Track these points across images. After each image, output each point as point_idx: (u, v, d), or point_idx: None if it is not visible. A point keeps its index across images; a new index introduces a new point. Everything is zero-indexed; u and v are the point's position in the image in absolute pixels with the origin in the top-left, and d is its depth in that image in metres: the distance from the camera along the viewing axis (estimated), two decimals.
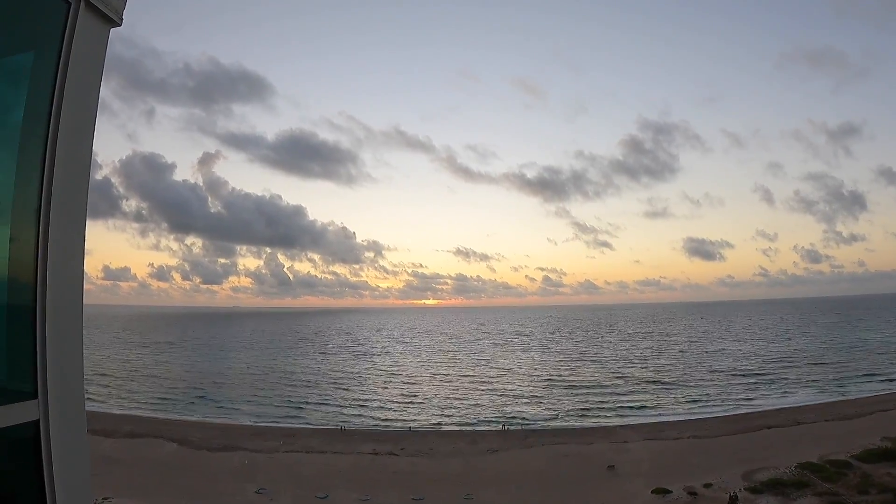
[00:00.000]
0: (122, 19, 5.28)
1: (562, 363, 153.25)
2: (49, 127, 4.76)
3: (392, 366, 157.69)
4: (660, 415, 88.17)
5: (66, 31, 4.78)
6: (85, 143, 5.10)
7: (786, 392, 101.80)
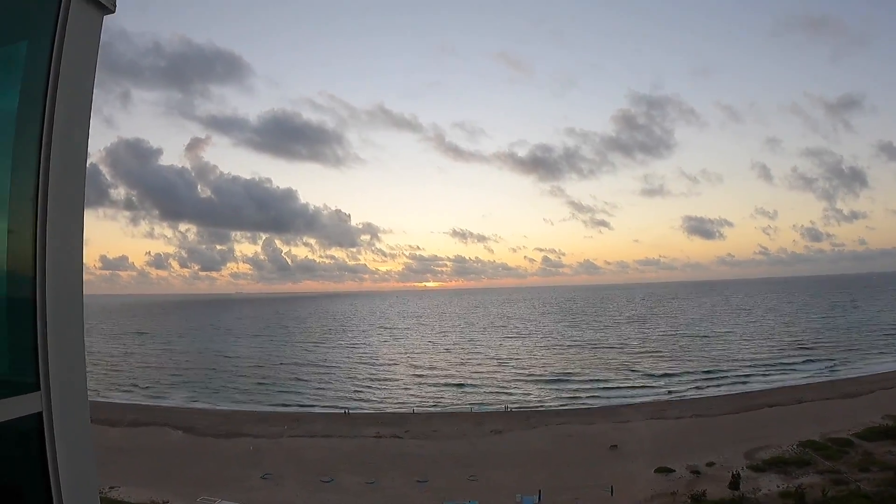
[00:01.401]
0: (116, 6, 5.21)
1: (566, 346, 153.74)
2: (44, 116, 4.71)
3: (392, 351, 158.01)
4: (662, 394, 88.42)
5: (60, 18, 4.71)
6: (81, 131, 5.05)
7: (787, 370, 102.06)
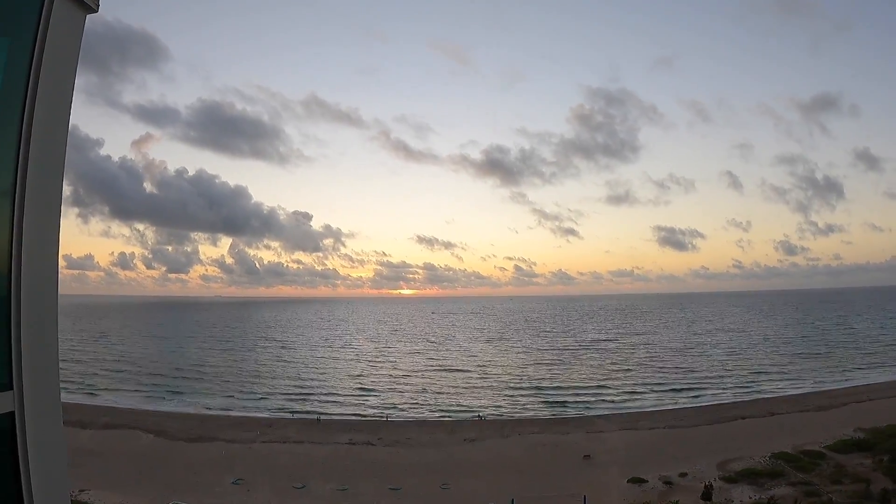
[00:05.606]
0: (99, 6, 5.20)
1: (540, 357, 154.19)
2: (24, 113, 4.68)
3: (366, 358, 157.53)
4: (635, 405, 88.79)
5: (42, 16, 4.70)
6: (60, 129, 5.03)
7: (760, 383, 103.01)
